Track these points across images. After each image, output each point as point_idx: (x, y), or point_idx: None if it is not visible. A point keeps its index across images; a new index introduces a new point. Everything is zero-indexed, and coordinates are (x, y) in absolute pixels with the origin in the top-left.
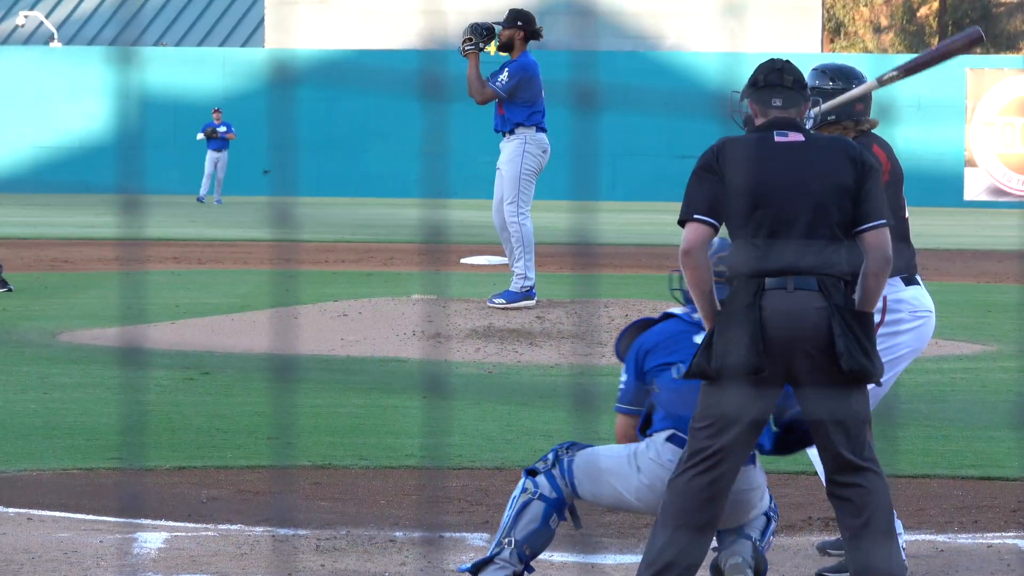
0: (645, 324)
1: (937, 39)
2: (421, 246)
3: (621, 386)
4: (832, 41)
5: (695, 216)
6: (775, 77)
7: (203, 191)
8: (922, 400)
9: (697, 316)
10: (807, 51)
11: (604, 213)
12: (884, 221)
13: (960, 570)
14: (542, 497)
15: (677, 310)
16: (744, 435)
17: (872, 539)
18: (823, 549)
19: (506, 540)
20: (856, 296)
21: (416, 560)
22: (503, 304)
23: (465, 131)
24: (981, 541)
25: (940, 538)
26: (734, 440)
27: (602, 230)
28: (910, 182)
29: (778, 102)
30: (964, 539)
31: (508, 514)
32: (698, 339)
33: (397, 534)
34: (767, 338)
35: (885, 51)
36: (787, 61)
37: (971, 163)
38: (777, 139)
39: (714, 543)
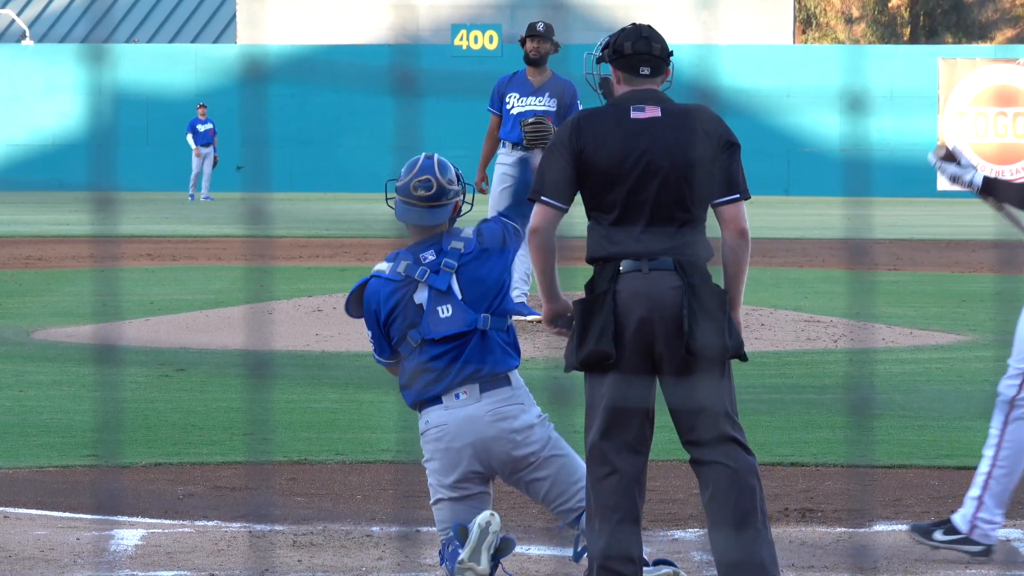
0: (363, 287)
1: (909, 30)
2: (395, 240)
3: (371, 341)
4: (804, 32)
5: (543, 198)
6: (643, 45)
7: (192, 190)
8: (897, 390)
9: (400, 269)
10: (779, 42)
11: (576, 206)
12: (738, 195)
13: (937, 560)
14: None
15: (381, 267)
16: (630, 426)
17: (732, 526)
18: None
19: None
20: (723, 276)
21: (393, 555)
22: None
23: (437, 125)
24: None
25: None
26: (623, 433)
27: (575, 224)
28: (883, 172)
29: (646, 70)
30: None
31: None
32: (418, 296)
33: (374, 529)
34: (625, 322)
35: (857, 42)
36: (650, 27)
37: None
38: (634, 115)
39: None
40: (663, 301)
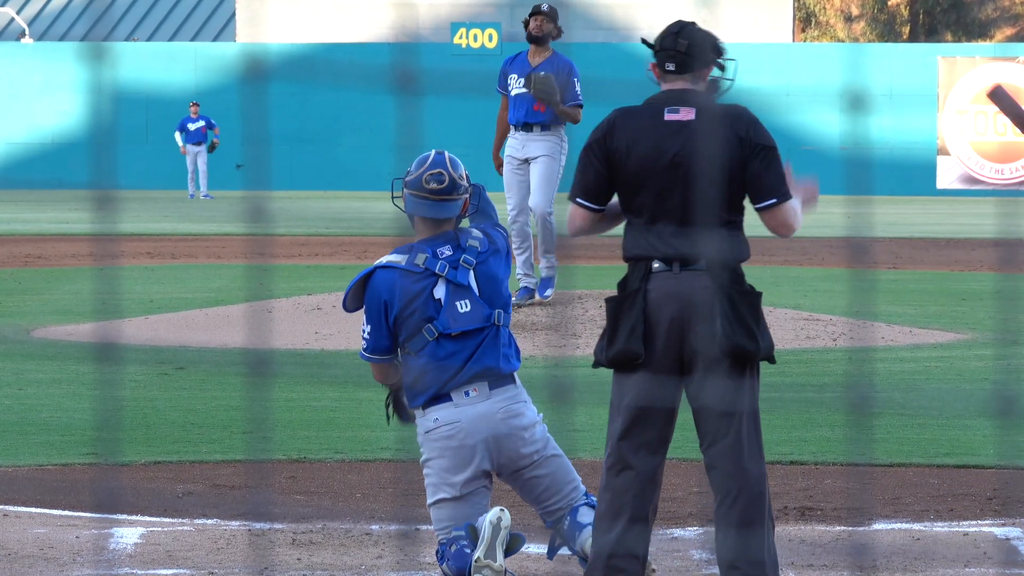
0: (368, 277)
1: (908, 28)
2: (395, 239)
3: (366, 336)
4: (803, 31)
5: (578, 200)
6: (669, 41)
7: (191, 189)
8: (897, 389)
9: (419, 262)
10: (778, 41)
11: None
12: (775, 199)
13: (937, 558)
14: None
15: (393, 258)
16: (654, 426)
17: (735, 527)
18: None
19: None
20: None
21: (392, 553)
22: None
23: (437, 124)
24: (957, 529)
25: (916, 526)
26: (644, 432)
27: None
28: (883, 170)
29: (671, 66)
30: (940, 527)
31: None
32: (437, 290)
33: (373, 527)
34: (655, 321)
35: (856, 40)
36: (687, 24)
37: (944, 151)
38: (667, 116)
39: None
40: (693, 302)
